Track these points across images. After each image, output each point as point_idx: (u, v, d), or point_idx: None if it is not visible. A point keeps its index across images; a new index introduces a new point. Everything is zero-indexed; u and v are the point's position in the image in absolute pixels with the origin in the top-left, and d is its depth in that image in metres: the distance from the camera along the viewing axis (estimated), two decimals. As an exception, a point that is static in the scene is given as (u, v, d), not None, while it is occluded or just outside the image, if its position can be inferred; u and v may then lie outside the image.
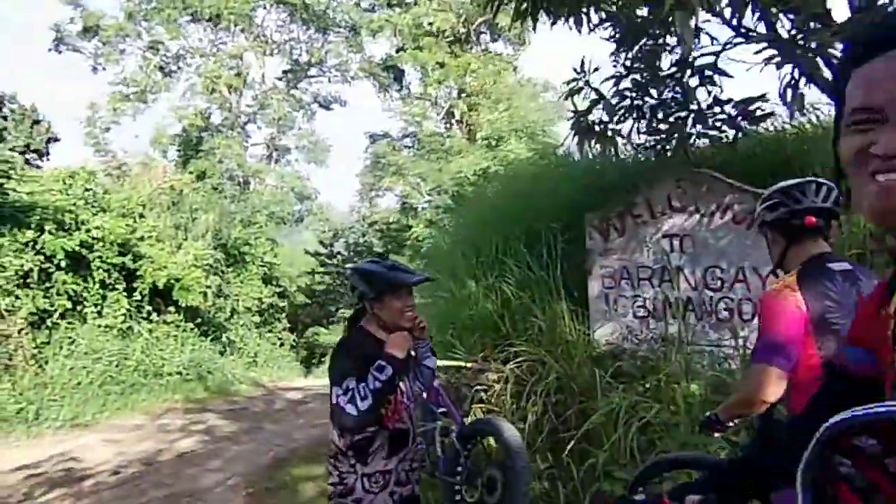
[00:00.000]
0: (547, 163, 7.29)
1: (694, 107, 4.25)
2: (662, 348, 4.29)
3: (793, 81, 3.38)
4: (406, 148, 22.92)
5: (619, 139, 4.98)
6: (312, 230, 24.80)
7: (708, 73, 3.99)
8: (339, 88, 41.38)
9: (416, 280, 2.66)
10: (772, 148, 4.72)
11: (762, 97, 3.89)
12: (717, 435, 2.56)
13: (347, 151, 64.06)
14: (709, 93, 3.99)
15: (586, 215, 4.86)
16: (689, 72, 4.05)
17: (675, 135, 4.25)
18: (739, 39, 4.05)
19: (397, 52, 22.57)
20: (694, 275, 4.29)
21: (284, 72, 25.42)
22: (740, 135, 4.26)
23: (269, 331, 16.37)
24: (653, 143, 4.79)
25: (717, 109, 4.06)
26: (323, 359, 17.82)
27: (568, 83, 4.88)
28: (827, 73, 3.85)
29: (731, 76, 4.01)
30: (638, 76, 4.85)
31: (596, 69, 5.09)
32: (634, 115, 4.66)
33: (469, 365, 4.91)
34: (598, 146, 5.01)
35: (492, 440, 4.13)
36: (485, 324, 5.03)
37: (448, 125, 22.63)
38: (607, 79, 5.08)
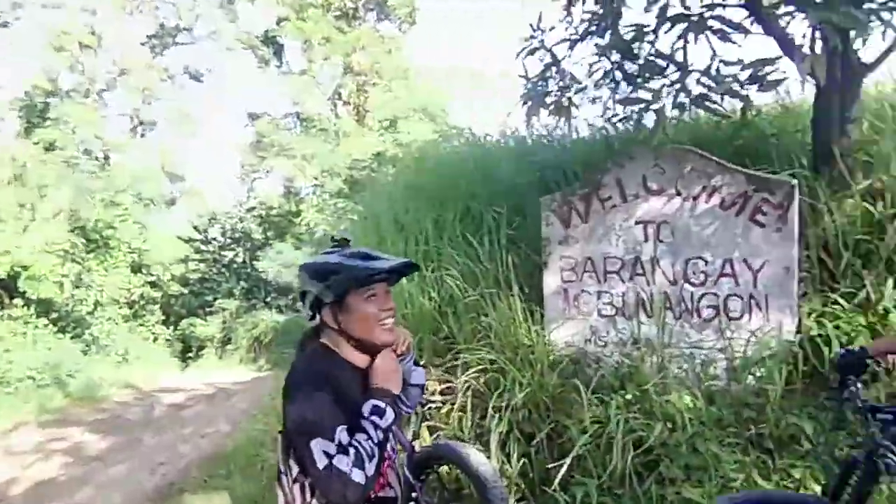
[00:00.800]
0: (475, 142, 6.59)
1: (674, 70, 3.69)
2: (634, 352, 3.74)
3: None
4: (287, 130, 21.37)
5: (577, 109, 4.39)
6: (186, 214, 22.55)
7: (712, 23, 3.38)
8: (212, 59, 38.44)
9: (391, 267, 1.83)
10: (751, 128, 4.31)
11: (773, 60, 3.40)
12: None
13: (223, 129, 59.94)
14: (714, 52, 3.42)
15: (542, 198, 4.21)
16: (682, 24, 3.44)
17: (655, 105, 3.67)
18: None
19: (278, 23, 20.94)
20: (673, 267, 3.76)
21: (149, 36, 22.78)
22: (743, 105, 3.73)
23: (141, 325, 14.59)
24: (625, 116, 4.22)
25: (716, 73, 3.47)
26: (201, 353, 16.17)
27: (526, 40, 4.20)
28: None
29: (745, 30, 3.38)
30: (601, 38, 4.26)
31: (551, 29, 4.48)
32: (605, 82, 4.06)
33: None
34: (555, 118, 4.38)
35: (447, 469, 3.39)
36: (423, 324, 4.24)
37: (335, 104, 21.40)
38: (560, 41, 4.48)
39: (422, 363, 4.13)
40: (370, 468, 1.61)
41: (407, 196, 5.69)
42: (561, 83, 4.48)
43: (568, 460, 3.10)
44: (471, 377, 3.73)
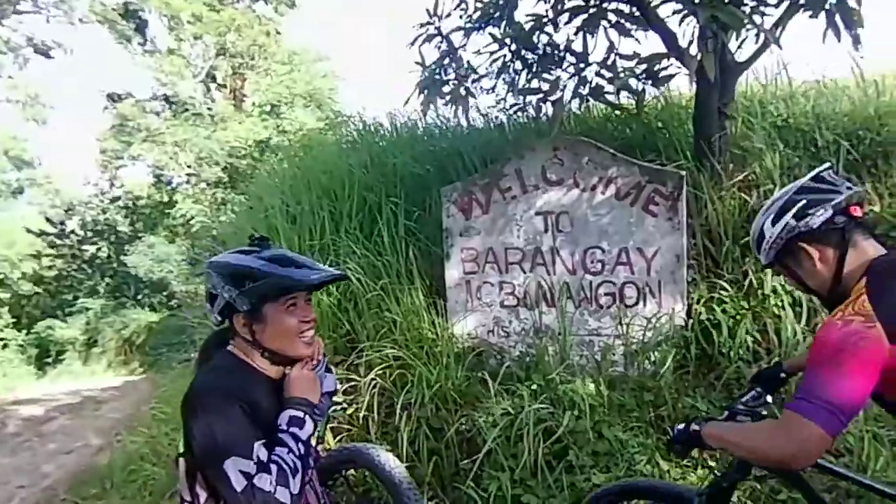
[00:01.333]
0: (366, 130, 6.39)
1: (572, 61, 3.75)
2: (537, 341, 3.79)
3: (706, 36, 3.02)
4: (156, 114, 19.82)
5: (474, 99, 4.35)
6: (36, 204, 20.30)
7: (614, 17, 3.45)
8: (62, 32, 34.79)
9: (320, 280, 1.69)
10: (636, 120, 4.48)
11: (667, 55, 3.53)
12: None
13: (80, 111, 54.67)
14: (611, 45, 3.49)
15: (443, 189, 4.14)
16: (579, 17, 3.49)
17: (553, 96, 3.71)
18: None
19: (140, -5, 19.29)
20: (572, 257, 3.84)
21: (-17, 2, 20.17)
22: (639, 98, 3.86)
23: (-14, 329, 12.98)
24: (522, 106, 4.24)
25: (613, 66, 3.55)
26: (61, 357, 14.69)
27: (422, 27, 4.09)
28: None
29: (641, 25, 3.48)
30: (496, 30, 4.25)
31: (447, 16, 4.41)
32: (504, 72, 4.04)
33: (307, 374, 3.89)
34: (451, 107, 4.31)
35: (353, 472, 3.26)
36: (322, 322, 4.05)
37: (208, 88, 20.12)
38: (456, 29, 4.43)
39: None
40: (295, 484, 1.47)
41: (298, 187, 5.41)
42: (458, 72, 4.42)
43: (479, 456, 3.07)
44: (376, 375, 3.60)
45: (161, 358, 10.15)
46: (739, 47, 4.09)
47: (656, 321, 3.59)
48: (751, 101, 4.58)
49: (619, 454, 2.99)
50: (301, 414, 1.58)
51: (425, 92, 4.39)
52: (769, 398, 1.99)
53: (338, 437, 3.60)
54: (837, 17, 3.10)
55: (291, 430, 1.55)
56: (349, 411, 3.60)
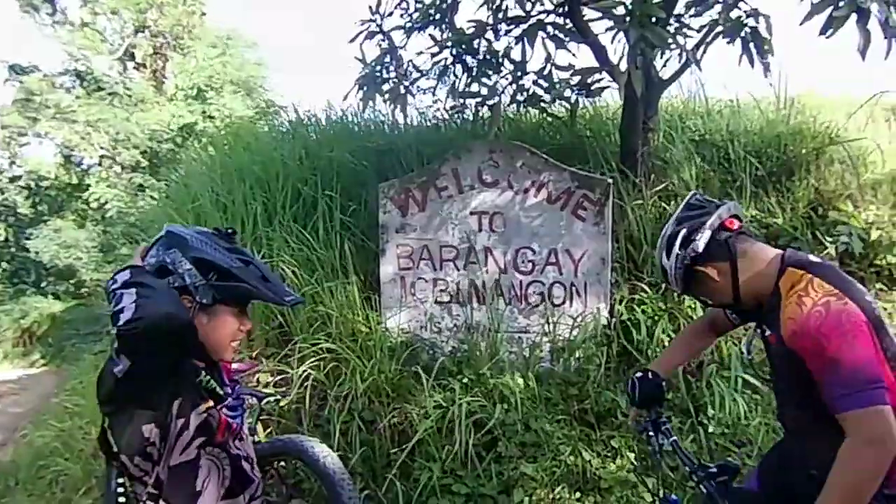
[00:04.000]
0: (300, 122, 6.31)
1: (510, 68, 3.88)
2: (469, 337, 3.91)
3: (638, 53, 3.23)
4: (66, 90, 18.63)
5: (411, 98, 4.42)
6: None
7: (551, 31, 3.61)
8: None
9: (293, 301, 1.73)
10: (568, 128, 4.68)
11: (599, 69, 3.72)
12: None
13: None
14: (549, 56, 3.65)
15: (380, 185, 4.19)
16: (518, 27, 3.63)
17: (491, 101, 3.84)
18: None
19: (49, -38, 18.10)
20: (504, 256, 3.99)
21: None
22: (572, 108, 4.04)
23: None
24: (461, 108, 4.34)
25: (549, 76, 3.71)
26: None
27: (364, 23, 4.12)
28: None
29: (584, 38, 3.65)
30: (436, 31, 4.35)
31: (389, 14, 4.45)
32: (445, 75, 4.13)
33: (237, 366, 3.85)
34: (390, 105, 4.36)
35: (284, 464, 3.27)
36: (255, 313, 4.00)
37: (125, 66, 19.11)
38: (396, 28, 4.48)
39: (254, 354, 3.95)
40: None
41: (228, 175, 5.29)
42: (398, 70, 4.48)
43: (410, 445, 3.15)
44: (309, 367, 3.61)
45: (68, 349, 9.61)
46: (664, 65, 4.37)
47: (581, 320, 3.79)
48: (672, 115, 4.88)
49: (545, 445, 3.15)
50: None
51: (365, 88, 4.43)
52: (672, 438, 1.92)
53: (268, 430, 3.59)
54: (752, 45, 3.39)
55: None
56: (282, 403, 3.59)
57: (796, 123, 4.93)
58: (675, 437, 1.93)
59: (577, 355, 3.70)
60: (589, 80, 3.76)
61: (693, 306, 3.67)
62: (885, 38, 2.93)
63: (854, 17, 2.91)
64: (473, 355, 3.72)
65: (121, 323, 1.35)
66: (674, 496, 2.05)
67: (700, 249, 1.73)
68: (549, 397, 3.42)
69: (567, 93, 3.74)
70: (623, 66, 3.79)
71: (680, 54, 4.08)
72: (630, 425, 2.10)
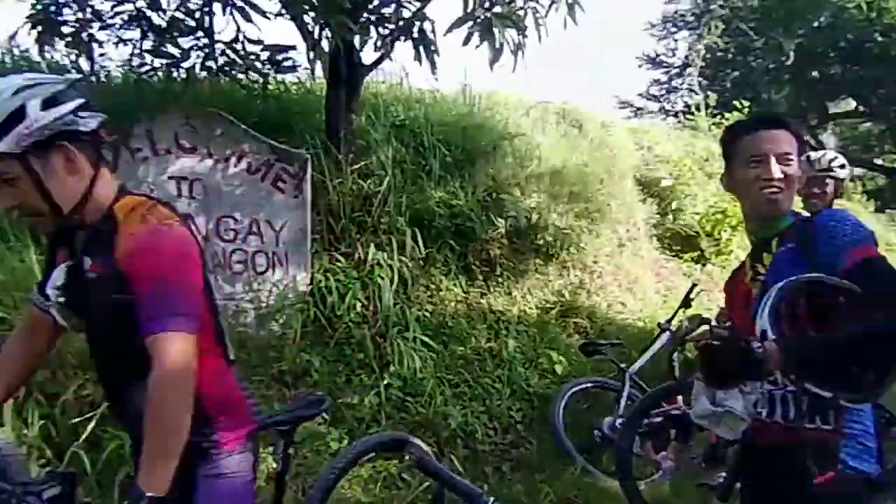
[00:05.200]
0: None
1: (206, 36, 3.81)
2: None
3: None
4: None
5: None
6: None
7: (239, 3, 3.60)
8: None
9: None
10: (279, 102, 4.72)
11: (292, 47, 3.83)
12: None
13: None
14: (238, 28, 3.65)
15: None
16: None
17: (184, 64, 3.73)
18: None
19: None
20: (206, 224, 3.91)
21: None
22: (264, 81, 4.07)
23: None
24: (151, 67, 4.10)
25: (241, 48, 3.72)
26: None
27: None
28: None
29: (266, 14, 3.72)
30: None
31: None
32: (131, 27, 3.87)
33: None
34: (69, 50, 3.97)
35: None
36: None
37: None
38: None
39: None
40: None
41: None
42: (80, 14, 4.07)
43: (97, 413, 2.96)
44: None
45: None
46: (362, 50, 4.68)
47: (283, 288, 3.93)
48: (378, 100, 5.26)
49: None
50: None
51: (38, 28, 3.94)
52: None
53: None
54: (421, 46, 3.90)
55: None
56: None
57: (481, 119, 5.72)
58: None
59: (279, 321, 3.84)
60: (279, 57, 3.89)
61: (382, 276, 4.05)
62: (512, 53, 3.79)
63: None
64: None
65: None
66: None
67: (88, 128, 1.41)
68: (250, 361, 3.51)
69: (259, 66, 3.83)
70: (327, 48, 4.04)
71: (376, 42, 4.43)
72: None
